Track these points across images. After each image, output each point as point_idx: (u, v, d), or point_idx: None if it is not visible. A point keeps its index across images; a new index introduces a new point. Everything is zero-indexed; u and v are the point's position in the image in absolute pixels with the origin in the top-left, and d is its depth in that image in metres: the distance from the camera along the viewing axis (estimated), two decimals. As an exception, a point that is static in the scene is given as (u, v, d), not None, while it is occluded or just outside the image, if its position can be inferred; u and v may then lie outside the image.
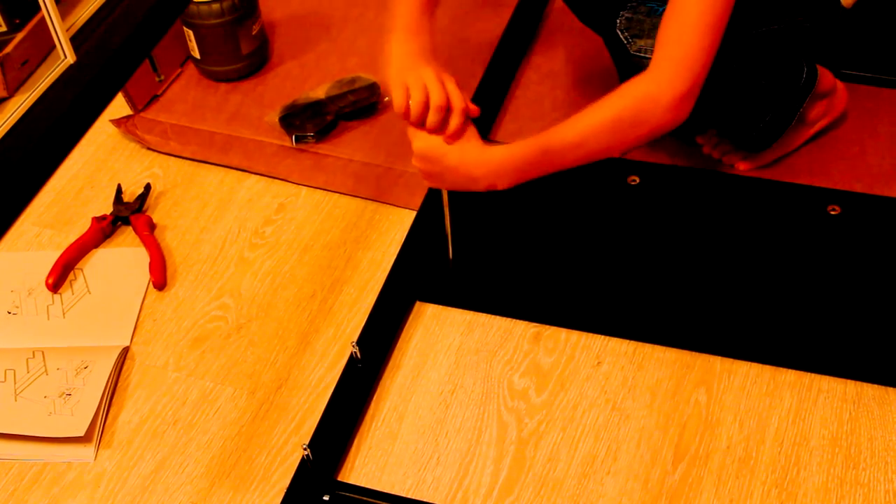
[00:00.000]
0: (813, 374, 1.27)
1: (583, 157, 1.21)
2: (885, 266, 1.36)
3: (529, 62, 1.74)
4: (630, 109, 1.18)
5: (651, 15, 1.31)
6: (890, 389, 1.25)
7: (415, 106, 1.19)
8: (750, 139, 1.46)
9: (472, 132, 1.22)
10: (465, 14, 1.84)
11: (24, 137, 0.89)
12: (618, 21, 1.34)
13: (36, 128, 0.91)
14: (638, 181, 1.49)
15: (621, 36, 1.32)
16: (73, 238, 1.51)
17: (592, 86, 1.66)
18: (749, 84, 1.34)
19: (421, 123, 1.21)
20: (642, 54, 1.30)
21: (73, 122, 0.93)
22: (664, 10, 1.20)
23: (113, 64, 0.93)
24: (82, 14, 1.90)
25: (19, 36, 1.78)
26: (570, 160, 1.22)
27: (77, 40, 1.81)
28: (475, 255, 1.44)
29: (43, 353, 1.36)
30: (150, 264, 1.47)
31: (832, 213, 1.42)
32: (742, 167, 1.50)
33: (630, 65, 1.31)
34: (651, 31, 1.27)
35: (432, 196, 1.50)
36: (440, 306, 1.40)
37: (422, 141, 1.22)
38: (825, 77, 1.48)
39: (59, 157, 0.95)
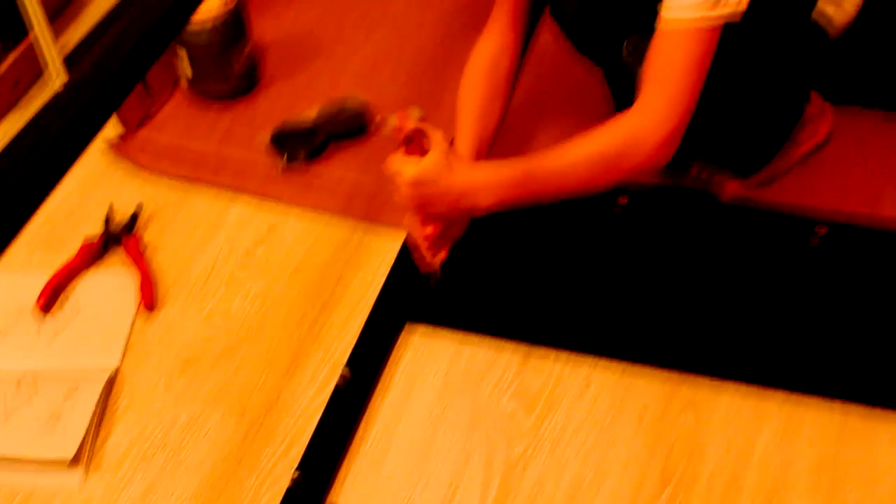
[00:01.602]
0: (799, 396, 1.28)
1: (565, 187, 1.24)
2: (867, 289, 1.37)
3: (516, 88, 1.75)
4: (616, 146, 1.20)
5: None
6: (875, 410, 1.26)
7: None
8: (739, 163, 1.47)
9: (456, 156, 1.24)
10: (452, 36, 1.84)
11: (17, 162, 0.89)
12: (623, 48, 1.34)
13: (29, 151, 0.90)
14: (626, 201, 1.50)
15: (627, 61, 1.31)
16: (63, 259, 1.52)
17: (579, 114, 1.67)
18: (739, 110, 1.35)
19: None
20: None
21: (67, 146, 0.93)
22: None
23: (108, 87, 0.93)
24: (74, 35, 1.92)
25: (11, 56, 1.80)
26: (552, 189, 1.24)
27: (70, 61, 1.83)
28: (464, 275, 1.44)
29: (34, 375, 1.37)
30: (141, 286, 1.48)
31: (816, 237, 1.42)
32: (730, 188, 1.51)
33: (636, 91, 1.31)
34: None
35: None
36: (429, 328, 1.40)
37: (414, 166, 1.24)
38: (812, 104, 1.50)
39: (53, 181, 0.95)
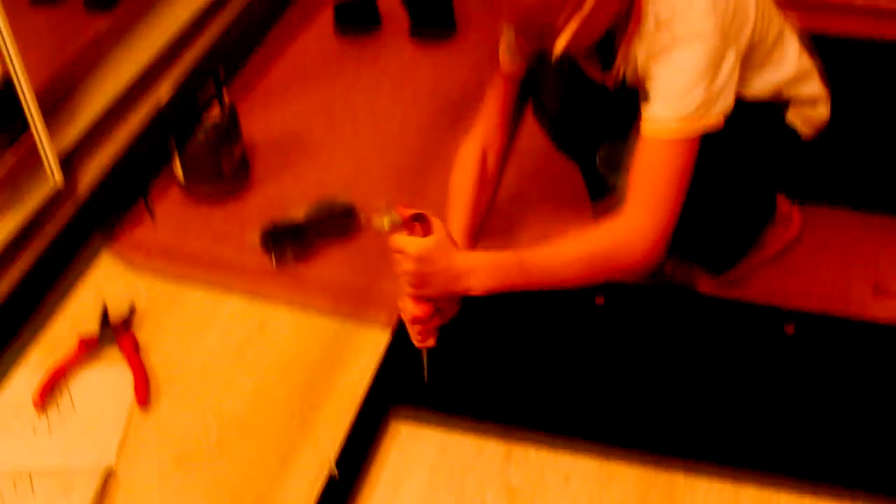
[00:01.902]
0: (772, 490, 1.33)
1: (557, 282, 1.31)
2: (840, 376, 1.42)
3: (500, 182, 1.82)
4: (606, 250, 1.28)
5: (631, 151, 1.35)
6: (848, 492, 1.30)
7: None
8: (712, 262, 1.53)
9: (451, 241, 1.31)
10: (436, 136, 1.91)
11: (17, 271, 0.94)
12: (597, 155, 1.40)
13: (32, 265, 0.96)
14: (604, 301, 1.56)
15: (601, 169, 1.37)
16: (59, 356, 1.56)
17: (562, 209, 1.74)
18: (712, 211, 1.41)
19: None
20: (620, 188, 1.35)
21: (69, 258, 0.99)
22: None
23: (110, 204, 0.99)
24: (71, 133, 1.97)
25: (7, 157, 1.85)
26: (545, 282, 1.31)
27: (65, 163, 1.88)
28: (451, 361, 1.49)
29: (30, 474, 1.40)
30: (135, 383, 1.52)
31: (787, 330, 1.48)
32: (703, 285, 1.57)
33: (607, 196, 1.38)
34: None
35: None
36: (415, 424, 1.45)
37: (418, 243, 1.29)
38: (782, 204, 1.57)
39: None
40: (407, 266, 1.30)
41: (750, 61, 1.33)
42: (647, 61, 1.28)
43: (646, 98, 1.28)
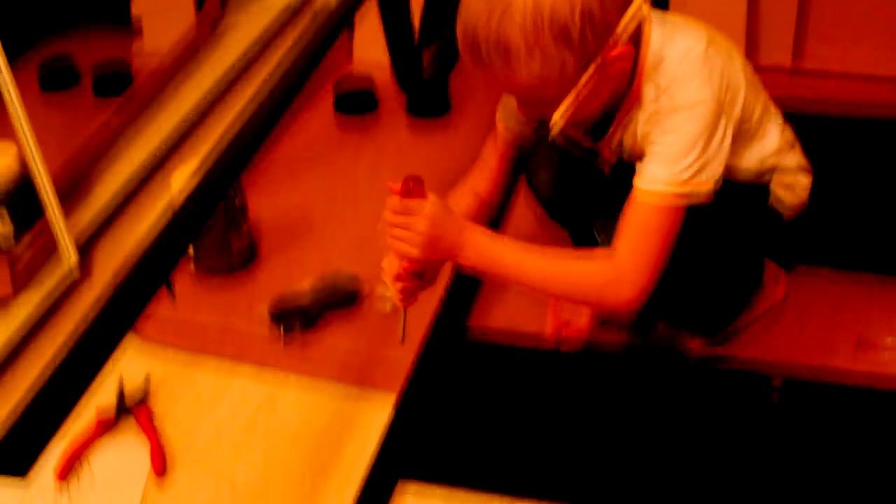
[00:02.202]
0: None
1: (538, 289, 1.41)
2: (822, 442, 1.48)
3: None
4: (590, 288, 1.35)
5: None
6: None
7: None
8: (703, 328, 1.60)
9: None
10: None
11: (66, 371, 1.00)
12: (595, 224, 1.47)
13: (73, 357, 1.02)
14: (598, 367, 1.63)
15: (597, 237, 1.43)
16: (78, 430, 1.62)
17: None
18: (702, 281, 1.48)
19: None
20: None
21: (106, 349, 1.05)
22: None
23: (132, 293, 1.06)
24: (85, 217, 2.06)
25: (26, 238, 1.94)
26: (526, 284, 1.39)
27: (80, 242, 1.97)
28: (453, 442, 1.56)
29: (53, 543, 1.46)
30: (151, 453, 1.58)
31: (776, 392, 1.55)
32: (692, 346, 1.64)
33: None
34: None
35: (412, 381, 1.63)
36: (422, 487, 1.50)
37: (431, 205, 1.34)
38: (769, 266, 1.65)
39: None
40: (419, 227, 1.33)
41: (739, 134, 1.41)
42: (647, 126, 1.35)
43: (640, 160, 1.35)
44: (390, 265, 1.41)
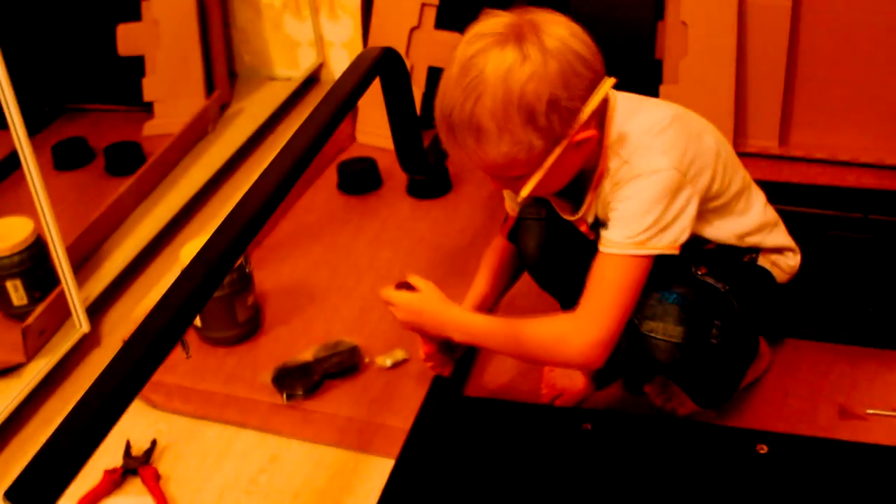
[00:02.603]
0: None
1: (513, 355, 1.54)
2: (808, 497, 1.54)
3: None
4: (552, 340, 1.44)
5: (661, 302, 1.47)
6: None
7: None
8: (706, 400, 1.66)
9: (443, 295, 1.58)
10: (435, 281, 2.06)
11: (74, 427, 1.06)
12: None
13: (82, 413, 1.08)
14: (591, 427, 1.69)
15: (633, 316, 1.47)
16: (86, 488, 1.67)
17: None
18: (714, 353, 1.53)
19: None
20: (652, 334, 1.47)
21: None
22: (674, 297, 1.46)
23: (144, 361, 1.11)
24: (96, 287, 2.14)
25: (39, 308, 2.01)
26: (504, 351, 1.55)
27: (91, 313, 2.04)
28: (447, 498, 1.61)
29: None
30: (156, 512, 1.63)
31: (760, 451, 1.60)
32: (681, 412, 1.70)
33: (639, 340, 1.49)
34: (663, 316, 1.46)
35: (409, 447, 1.68)
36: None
37: (401, 297, 1.60)
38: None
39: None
40: (398, 314, 1.59)
41: (709, 207, 1.49)
42: (610, 195, 1.43)
43: (604, 225, 1.44)
44: (418, 345, 1.67)
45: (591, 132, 1.37)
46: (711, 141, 1.49)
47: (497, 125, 1.32)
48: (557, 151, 1.36)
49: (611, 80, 1.38)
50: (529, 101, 1.31)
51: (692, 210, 1.42)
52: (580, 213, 1.52)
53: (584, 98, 1.35)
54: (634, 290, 1.42)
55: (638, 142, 1.41)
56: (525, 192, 1.39)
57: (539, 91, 1.30)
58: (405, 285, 1.61)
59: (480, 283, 1.71)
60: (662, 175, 1.39)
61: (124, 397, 1.05)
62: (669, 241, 1.41)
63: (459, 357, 1.74)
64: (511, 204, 1.70)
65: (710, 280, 1.53)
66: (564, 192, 1.49)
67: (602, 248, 1.42)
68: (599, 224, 1.50)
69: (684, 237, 1.42)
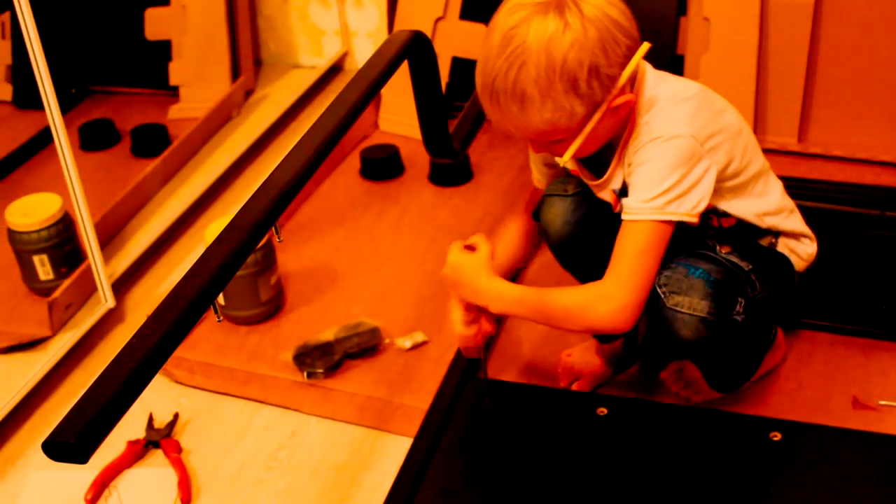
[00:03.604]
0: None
1: (547, 322, 1.54)
2: (821, 484, 1.56)
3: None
4: (581, 305, 1.47)
5: (688, 276, 1.50)
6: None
7: None
8: (720, 383, 1.69)
9: (489, 264, 1.56)
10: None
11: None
12: (657, 276, 1.52)
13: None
14: (606, 412, 1.71)
15: (659, 291, 1.50)
16: (109, 458, 1.71)
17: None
18: (730, 332, 1.55)
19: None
20: (678, 308, 1.49)
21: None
22: (701, 272, 1.49)
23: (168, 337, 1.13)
24: (122, 264, 2.17)
25: (66, 283, 2.05)
26: (539, 320, 1.53)
27: (116, 289, 2.07)
28: (462, 478, 1.63)
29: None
30: (178, 483, 1.66)
31: (774, 439, 1.63)
32: (695, 400, 1.72)
33: (664, 316, 1.51)
34: (688, 290, 1.48)
35: (426, 427, 1.71)
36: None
37: (453, 255, 1.58)
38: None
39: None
40: (445, 269, 1.58)
41: (727, 185, 1.52)
42: (631, 156, 1.46)
43: (626, 193, 1.47)
44: (452, 304, 1.63)
45: (628, 97, 1.42)
46: (734, 119, 1.53)
47: (540, 93, 1.37)
48: (597, 116, 1.40)
49: (646, 45, 1.43)
50: (571, 69, 1.35)
51: (710, 181, 1.45)
52: (605, 177, 1.54)
53: (623, 64, 1.40)
54: (656, 255, 1.45)
55: (661, 107, 1.45)
56: (567, 156, 1.44)
57: (580, 58, 1.35)
58: (470, 247, 1.60)
59: (508, 252, 1.72)
60: (680, 141, 1.42)
61: (158, 357, 1.08)
62: (688, 208, 1.43)
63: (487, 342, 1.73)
64: (538, 176, 1.72)
65: (734, 259, 1.56)
66: (591, 156, 1.52)
67: (624, 216, 1.45)
68: (625, 190, 1.51)
69: (702, 206, 1.45)
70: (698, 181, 1.44)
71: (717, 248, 1.58)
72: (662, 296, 1.50)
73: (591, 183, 1.59)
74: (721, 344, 1.54)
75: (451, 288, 1.59)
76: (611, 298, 1.44)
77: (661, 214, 1.43)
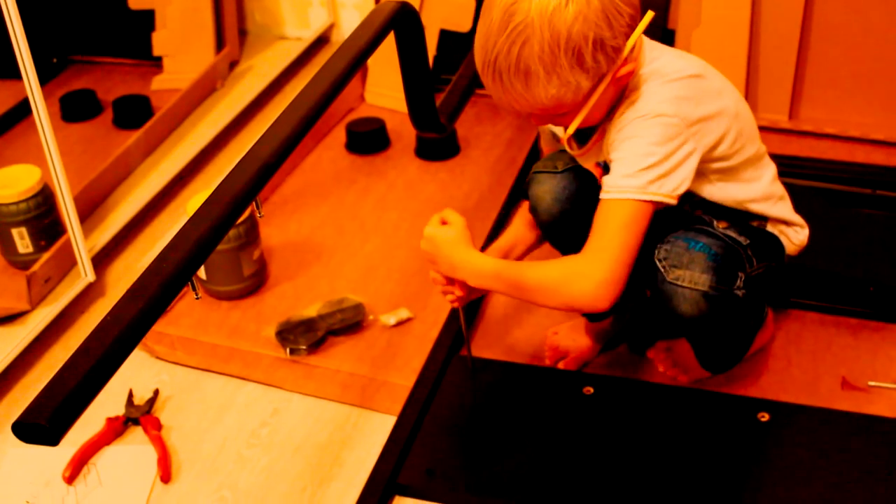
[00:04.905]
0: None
1: (518, 298, 1.50)
2: (809, 465, 1.54)
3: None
4: (559, 280, 1.42)
5: (689, 250, 1.48)
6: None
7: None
8: (712, 363, 1.67)
9: (465, 237, 1.52)
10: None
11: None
12: (656, 251, 1.51)
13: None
14: (593, 391, 1.69)
15: (659, 265, 1.49)
16: (88, 435, 1.68)
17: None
18: (729, 307, 1.53)
19: None
20: (678, 283, 1.47)
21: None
22: (701, 245, 1.47)
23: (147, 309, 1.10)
24: (102, 237, 2.14)
25: (45, 256, 2.01)
26: (515, 295, 1.49)
27: (96, 263, 2.04)
28: (447, 456, 1.62)
29: (61, 538, 1.51)
30: (158, 461, 1.64)
31: (762, 420, 1.61)
32: (683, 380, 1.71)
33: (663, 291, 1.49)
34: (689, 264, 1.46)
35: (410, 405, 1.69)
36: (417, 502, 1.56)
37: (429, 228, 1.53)
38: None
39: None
40: (422, 244, 1.54)
41: (713, 167, 1.49)
42: (615, 134, 1.43)
43: (608, 171, 1.44)
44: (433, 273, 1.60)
45: (631, 66, 1.39)
46: (730, 102, 1.49)
47: (545, 68, 1.33)
48: (601, 88, 1.37)
49: (650, 14, 1.39)
50: (576, 43, 1.32)
51: (692, 164, 1.42)
52: (588, 146, 1.51)
53: (627, 34, 1.36)
54: (637, 233, 1.41)
55: (651, 85, 1.42)
56: (571, 129, 1.42)
57: (585, 32, 1.31)
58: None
59: (509, 235, 1.71)
60: (664, 120, 1.39)
61: (133, 337, 1.05)
62: (669, 189, 1.40)
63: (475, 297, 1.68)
64: (547, 138, 1.68)
65: (732, 234, 1.54)
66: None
67: (603, 194, 1.42)
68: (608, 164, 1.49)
69: (683, 188, 1.41)
70: (681, 163, 1.40)
71: (715, 223, 1.56)
72: (662, 270, 1.48)
73: (575, 152, 1.56)
74: (719, 320, 1.52)
75: (429, 262, 1.56)
76: (588, 275, 1.39)
77: (642, 194, 1.39)
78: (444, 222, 1.54)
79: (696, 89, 1.44)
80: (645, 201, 1.40)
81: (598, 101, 1.39)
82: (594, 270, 1.40)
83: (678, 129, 1.40)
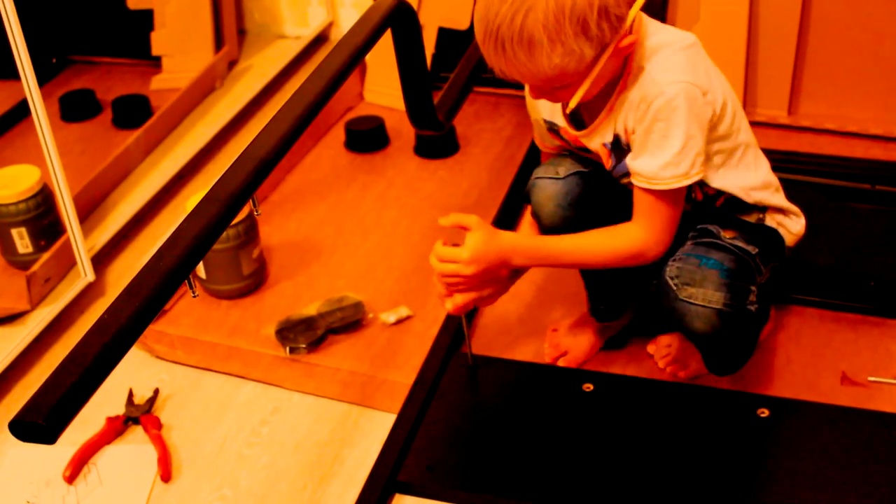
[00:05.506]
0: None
1: (571, 264, 1.56)
2: (809, 461, 1.54)
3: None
4: (624, 254, 1.48)
5: (700, 266, 1.48)
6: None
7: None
8: (719, 366, 1.66)
9: (491, 228, 1.51)
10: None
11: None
12: (667, 268, 1.51)
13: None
14: (592, 388, 1.69)
15: (671, 283, 1.49)
16: (88, 435, 1.68)
17: (556, 308, 1.88)
18: (743, 322, 1.53)
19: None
20: (691, 301, 1.47)
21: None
22: (713, 262, 1.48)
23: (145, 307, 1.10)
24: (102, 237, 2.14)
25: (45, 256, 2.01)
26: (567, 262, 1.54)
27: (96, 263, 2.04)
28: (447, 453, 1.62)
29: (61, 538, 1.51)
30: (158, 460, 1.64)
31: (762, 415, 1.61)
32: (682, 375, 1.70)
33: (675, 309, 1.50)
34: (702, 282, 1.47)
35: (410, 403, 1.69)
36: (417, 501, 1.56)
37: (466, 249, 1.48)
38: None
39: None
40: (467, 271, 1.48)
41: (714, 148, 1.48)
42: (630, 110, 1.43)
43: (628, 147, 1.46)
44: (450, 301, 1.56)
45: (634, 36, 1.38)
46: (723, 78, 1.50)
47: (549, 37, 1.31)
48: (604, 59, 1.36)
49: None
50: (581, 10, 1.30)
51: (703, 144, 1.44)
52: (593, 125, 1.50)
53: (630, 3, 1.35)
54: (681, 204, 1.48)
55: (664, 54, 1.41)
56: (574, 102, 1.40)
57: (590, 0, 1.31)
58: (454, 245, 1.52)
59: (526, 227, 1.72)
60: (688, 93, 1.39)
61: (129, 336, 1.05)
62: (701, 167, 1.43)
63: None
64: (540, 132, 1.66)
65: (741, 244, 1.53)
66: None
67: (645, 183, 1.44)
68: (619, 144, 1.49)
69: (699, 163, 1.44)
70: (700, 149, 1.42)
71: (721, 233, 1.55)
72: (675, 287, 1.48)
73: (576, 133, 1.54)
74: (732, 334, 1.52)
75: (479, 287, 1.53)
76: (658, 243, 1.47)
77: (685, 179, 1.42)
78: (462, 227, 1.51)
79: (701, 56, 1.45)
80: (678, 187, 1.43)
81: (600, 72, 1.37)
82: (657, 242, 1.47)
83: (699, 100, 1.40)
